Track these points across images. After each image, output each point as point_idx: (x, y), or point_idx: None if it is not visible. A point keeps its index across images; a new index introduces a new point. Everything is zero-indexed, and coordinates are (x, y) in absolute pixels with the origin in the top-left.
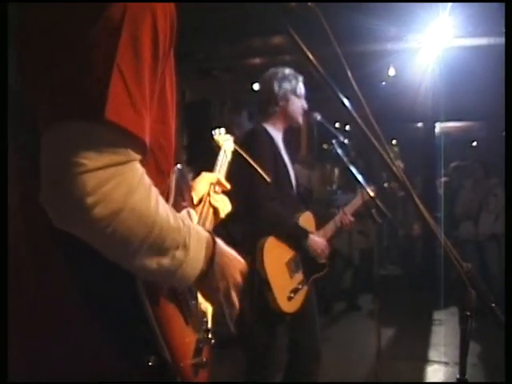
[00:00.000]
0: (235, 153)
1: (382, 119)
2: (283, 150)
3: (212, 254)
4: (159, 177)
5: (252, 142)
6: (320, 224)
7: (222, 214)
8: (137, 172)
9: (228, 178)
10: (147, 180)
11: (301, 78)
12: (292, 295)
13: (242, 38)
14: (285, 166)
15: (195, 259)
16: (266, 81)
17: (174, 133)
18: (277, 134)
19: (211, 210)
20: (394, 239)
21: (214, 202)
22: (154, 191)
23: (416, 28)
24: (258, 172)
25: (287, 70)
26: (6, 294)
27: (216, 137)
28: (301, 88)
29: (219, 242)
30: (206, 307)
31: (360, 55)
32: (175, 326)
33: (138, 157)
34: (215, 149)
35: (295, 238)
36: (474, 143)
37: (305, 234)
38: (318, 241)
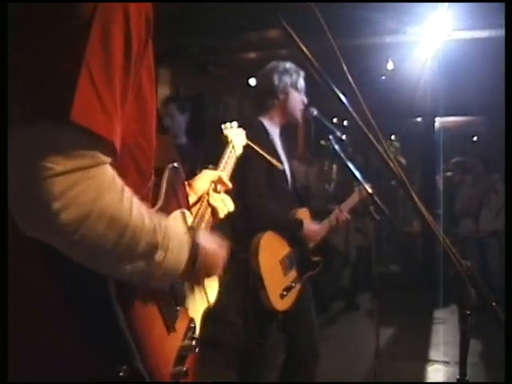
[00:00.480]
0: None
1: (380, 114)
2: (279, 145)
3: (194, 255)
4: (140, 178)
5: (251, 136)
6: (316, 221)
7: (221, 215)
8: (106, 175)
9: (233, 176)
10: (119, 182)
11: (302, 73)
12: (285, 293)
13: (238, 32)
14: (280, 161)
15: (176, 260)
16: (265, 73)
17: (155, 132)
18: (274, 129)
19: (209, 210)
20: (392, 236)
21: (213, 202)
22: (128, 193)
23: (415, 21)
24: (251, 169)
25: (288, 64)
26: (5, 294)
27: (226, 131)
28: (301, 83)
29: (202, 238)
30: (196, 313)
31: (358, 49)
32: (153, 334)
33: (108, 159)
34: (223, 144)
35: (290, 231)
36: (475, 138)
37: (299, 224)
38: (312, 227)
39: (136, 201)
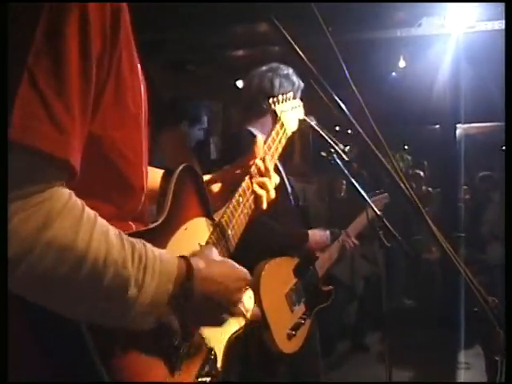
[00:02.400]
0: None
1: (390, 120)
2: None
3: (187, 285)
4: (129, 193)
5: (236, 147)
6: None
7: (264, 205)
8: (59, 199)
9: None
10: (77, 207)
11: (298, 80)
12: (293, 332)
13: (223, 25)
14: (280, 176)
15: (155, 296)
16: (264, 75)
17: (145, 138)
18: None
19: (246, 206)
20: (407, 265)
21: (256, 188)
22: (90, 216)
23: (431, 11)
24: None
25: (291, 70)
26: (6, 295)
27: (274, 107)
28: (300, 92)
29: (202, 263)
30: (218, 341)
31: (365, 44)
32: (150, 378)
33: (60, 182)
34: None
35: (294, 246)
36: (504, 148)
37: (303, 234)
38: (319, 236)
39: (101, 226)
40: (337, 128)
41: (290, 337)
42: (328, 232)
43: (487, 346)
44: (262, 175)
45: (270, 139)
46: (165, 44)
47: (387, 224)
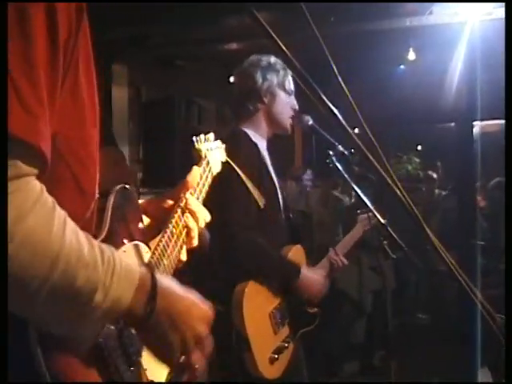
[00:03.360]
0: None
1: (400, 119)
2: (269, 162)
3: (150, 296)
4: (81, 197)
5: (234, 149)
6: (312, 264)
7: (195, 241)
8: (31, 190)
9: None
10: (49, 201)
11: (289, 71)
12: (276, 356)
13: (214, 16)
14: (272, 183)
15: (116, 301)
16: (245, 70)
17: (98, 142)
18: (260, 142)
19: (178, 242)
20: (420, 277)
21: (187, 222)
22: (60, 215)
23: None
24: (236, 192)
25: (273, 58)
26: (5, 294)
27: (199, 145)
28: (290, 82)
29: (166, 281)
30: (159, 374)
31: (371, 35)
32: None
33: (33, 170)
34: (195, 161)
35: (283, 277)
36: None
37: (295, 269)
38: (311, 277)
39: (71, 225)
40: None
41: (272, 361)
42: (325, 272)
43: (494, 366)
44: (192, 209)
45: (198, 175)
46: (151, 38)
47: (392, 233)
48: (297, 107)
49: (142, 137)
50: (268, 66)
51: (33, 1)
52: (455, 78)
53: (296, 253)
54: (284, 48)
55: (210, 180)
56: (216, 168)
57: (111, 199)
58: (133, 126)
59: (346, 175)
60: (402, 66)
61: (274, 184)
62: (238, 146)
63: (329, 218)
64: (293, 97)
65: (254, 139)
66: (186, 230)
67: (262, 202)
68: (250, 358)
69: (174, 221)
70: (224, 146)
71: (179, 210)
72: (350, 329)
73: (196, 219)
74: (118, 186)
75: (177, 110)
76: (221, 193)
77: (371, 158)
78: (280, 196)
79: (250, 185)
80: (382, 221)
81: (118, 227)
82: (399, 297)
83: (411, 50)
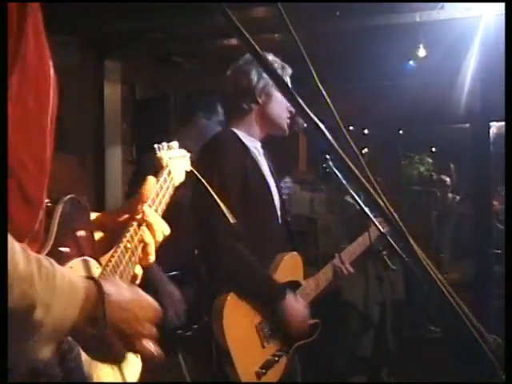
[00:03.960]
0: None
1: (411, 120)
2: (264, 163)
3: (97, 311)
4: (27, 208)
5: (212, 153)
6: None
7: (152, 256)
8: None
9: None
10: None
11: (289, 70)
12: (263, 371)
13: (213, 10)
14: (266, 186)
15: (59, 319)
16: (240, 67)
17: (49, 149)
18: (252, 143)
19: (133, 256)
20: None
21: (143, 236)
22: None
23: None
24: (219, 189)
25: (271, 57)
26: (5, 292)
27: (160, 153)
28: (288, 82)
29: (113, 289)
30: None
31: (378, 31)
32: None
33: None
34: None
35: (265, 297)
36: None
37: (280, 292)
38: (295, 306)
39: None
40: (350, 128)
41: (259, 376)
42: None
43: None
44: (149, 222)
45: (157, 186)
46: (147, 32)
47: (392, 242)
48: (293, 111)
49: (136, 137)
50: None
51: (33, 1)
52: (468, 77)
53: (291, 261)
54: (256, 46)
55: (171, 191)
56: (179, 178)
57: (59, 210)
58: (126, 125)
59: (344, 181)
60: (411, 63)
61: (269, 187)
62: (220, 150)
63: (335, 224)
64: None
65: (244, 140)
66: (141, 244)
67: (232, 219)
68: (232, 373)
69: (128, 235)
70: (189, 154)
71: (135, 223)
72: (357, 341)
73: (153, 233)
74: (68, 197)
75: (172, 109)
76: (206, 199)
77: (347, 159)
78: (277, 199)
79: (219, 200)
80: (382, 230)
81: (65, 240)
82: (410, 308)
83: (421, 46)
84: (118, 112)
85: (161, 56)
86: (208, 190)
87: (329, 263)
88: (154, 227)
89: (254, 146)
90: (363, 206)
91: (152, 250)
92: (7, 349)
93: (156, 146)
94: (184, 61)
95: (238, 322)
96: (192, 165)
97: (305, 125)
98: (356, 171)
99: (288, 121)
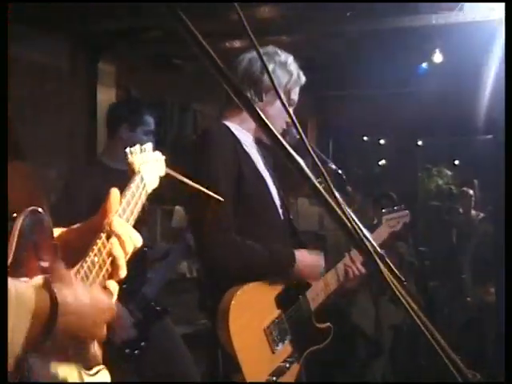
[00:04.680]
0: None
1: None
2: (258, 157)
3: (49, 320)
4: None
5: (201, 147)
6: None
7: (122, 272)
8: None
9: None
10: None
11: (303, 79)
12: (274, 379)
13: (216, 9)
14: (261, 180)
15: (12, 330)
16: (251, 59)
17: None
18: (245, 136)
19: (102, 268)
20: (451, 309)
21: (111, 249)
22: None
23: None
24: (212, 181)
25: (291, 59)
26: (5, 293)
27: (132, 157)
28: (296, 94)
29: (67, 293)
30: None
31: (392, 34)
32: None
33: None
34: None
35: (277, 269)
36: None
37: (288, 255)
38: (310, 259)
39: None
40: (365, 138)
41: None
42: (322, 254)
43: None
44: (117, 233)
45: (128, 193)
46: (144, 32)
47: (390, 264)
48: (289, 121)
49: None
50: (284, 64)
51: (33, 1)
52: (492, 84)
53: (246, 296)
54: (207, 47)
55: (144, 198)
56: (152, 184)
57: (18, 224)
58: None
59: (339, 197)
60: (425, 66)
61: (265, 181)
62: (209, 144)
63: (347, 242)
64: (291, 110)
65: (236, 133)
66: (110, 258)
67: (220, 198)
68: (241, 381)
69: (96, 248)
70: (163, 157)
71: (103, 236)
72: (367, 369)
73: (123, 245)
74: (28, 209)
75: (168, 116)
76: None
77: (306, 170)
78: (275, 195)
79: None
80: (379, 249)
81: (25, 257)
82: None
83: (438, 51)
84: None
85: (160, 58)
86: (190, 183)
87: (339, 263)
88: (122, 238)
89: (247, 139)
90: (359, 223)
91: (122, 262)
92: (7, 349)
93: (128, 149)
94: (185, 64)
95: (245, 325)
96: (174, 165)
97: (297, 136)
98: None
99: (284, 128)
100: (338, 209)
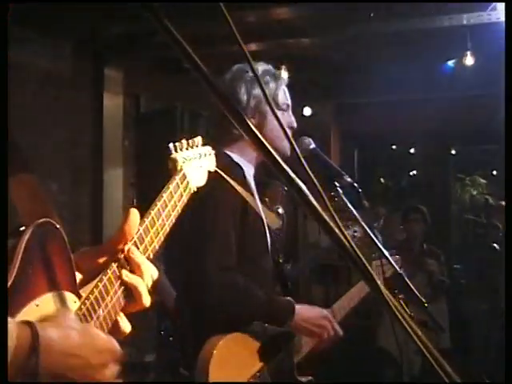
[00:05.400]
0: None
1: (464, 139)
2: (256, 194)
3: (28, 356)
4: None
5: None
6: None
7: (145, 300)
8: None
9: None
10: None
11: (285, 78)
12: None
13: (228, 11)
14: (259, 219)
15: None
16: (227, 84)
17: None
18: (247, 167)
19: (119, 291)
20: (481, 330)
21: (127, 278)
22: None
23: None
24: (216, 220)
25: (262, 67)
26: (5, 293)
27: (175, 154)
28: (286, 94)
29: (53, 331)
30: None
31: (421, 35)
32: None
33: None
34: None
35: (274, 318)
36: None
37: (288, 307)
38: (307, 313)
39: None
40: (393, 147)
41: None
42: (325, 312)
43: None
44: (135, 263)
45: (164, 196)
46: (152, 36)
47: (411, 285)
48: (294, 124)
49: (139, 156)
50: (254, 80)
51: (33, 1)
52: None
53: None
54: (185, 45)
55: (185, 199)
56: (198, 182)
57: (24, 238)
58: (128, 142)
59: (355, 213)
60: (451, 64)
61: (262, 219)
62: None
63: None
64: (289, 112)
65: (241, 164)
66: (122, 288)
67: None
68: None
69: (109, 274)
70: (213, 152)
71: (114, 266)
72: None
73: (141, 275)
74: (39, 221)
75: (179, 122)
76: (194, 229)
77: (297, 181)
78: (268, 237)
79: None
80: (399, 270)
81: (33, 272)
82: (463, 357)
83: (469, 54)
84: (120, 127)
85: (169, 63)
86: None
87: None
88: (141, 268)
89: (248, 171)
90: (376, 240)
91: (143, 289)
92: (7, 349)
93: (171, 145)
94: None
95: (227, 377)
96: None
97: (311, 146)
98: (296, 180)
99: (285, 141)
100: (343, 238)
